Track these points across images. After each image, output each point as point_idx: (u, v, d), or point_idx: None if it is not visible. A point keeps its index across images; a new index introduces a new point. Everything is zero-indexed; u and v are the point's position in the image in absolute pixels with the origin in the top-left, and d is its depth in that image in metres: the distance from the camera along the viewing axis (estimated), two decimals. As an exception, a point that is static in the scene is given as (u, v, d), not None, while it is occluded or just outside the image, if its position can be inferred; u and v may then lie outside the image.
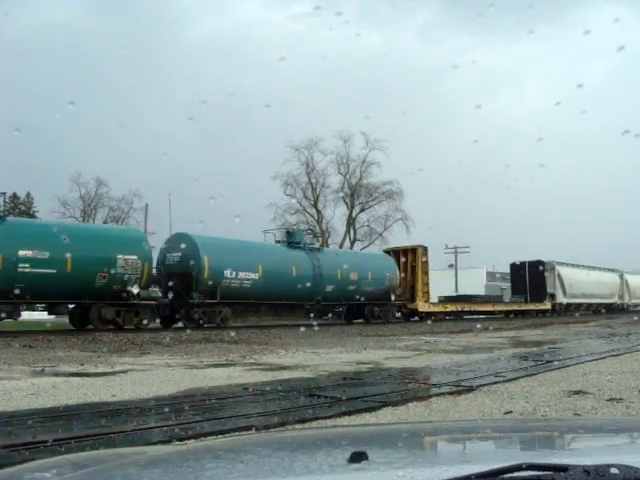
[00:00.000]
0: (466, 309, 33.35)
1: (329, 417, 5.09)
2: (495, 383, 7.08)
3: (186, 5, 79.75)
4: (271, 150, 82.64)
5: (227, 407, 5.53)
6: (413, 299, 30.28)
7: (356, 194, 52.38)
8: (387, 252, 32.50)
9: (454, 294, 44.34)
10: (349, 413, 5.27)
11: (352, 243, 50.79)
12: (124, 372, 8.40)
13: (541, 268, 39.22)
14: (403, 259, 30.85)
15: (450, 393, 6.30)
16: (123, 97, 71.03)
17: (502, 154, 79.26)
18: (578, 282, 42.54)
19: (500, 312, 35.61)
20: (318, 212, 51.94)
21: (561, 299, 40.91)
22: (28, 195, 68.55)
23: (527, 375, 7.84)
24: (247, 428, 4.56)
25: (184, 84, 79.99)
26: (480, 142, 77.98)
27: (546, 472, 0.89)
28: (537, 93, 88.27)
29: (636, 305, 53.71)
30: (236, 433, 4.33)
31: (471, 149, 75.71)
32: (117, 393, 6.40)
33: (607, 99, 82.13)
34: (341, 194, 52.12)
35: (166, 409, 5.42)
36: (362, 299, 26.53)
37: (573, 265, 44.44)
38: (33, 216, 69.57)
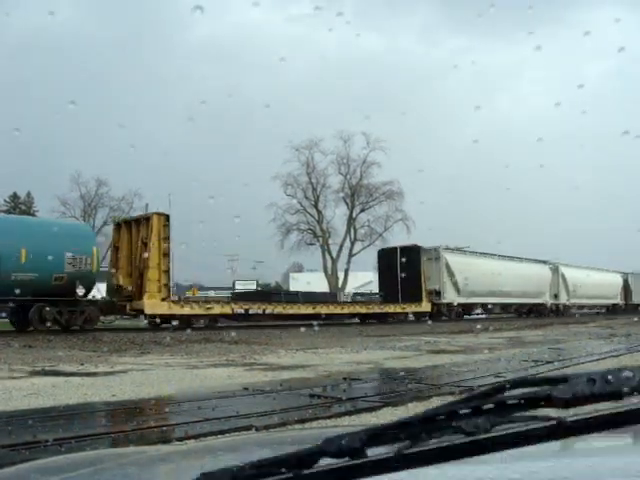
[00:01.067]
0: (258, 311, 22.71)
1: (329, 417, 5.09)
2: (495, 383, 7.07)
3: (186, 6, 79.77)
4: (271, 150, 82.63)
5: (227, 407, 5.53)
6: (142, 294, 19.66)
7: (356, 194, 52.39)
8: (117, 225, 22.05)
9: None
10: (349, 413, 5.27)
11: (352, 244, 50.82)
12: (124, 372, 8.39)
13: (418, 257, 29.30)
14: (135, 235, 20.80)
15: (450, 393, 6.30)
16: (123, 97, 71.02)
17: (502, 154, 79.23)
18: (481, 275, 31.52)
19: (333, 315, 25.07)
20: (318, 212, 51.94)
21: (452, 298, 30.49)
22: (28, 195, 68.61)
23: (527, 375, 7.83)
24: (247, 428, 4.56)
25: (184, 84, 79.98)
26: (480, 142, 78.08)
27: (542, 387, 0.78)
28: (537, 93, 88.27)
29: (582, 306, 44.06)
30: (236, 433, 4.33)
31: (471, 149, 75.72)
32: (117, 393, 6.40)
33: (607, 99, 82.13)
34: (341, 194, 52.18)
35: (166, 409, 5.42)
36: (19, 293, 15.52)
37: (471, 253, 34.02)
38: (33, 215, 69.81)
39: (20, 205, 69.05)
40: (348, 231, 50.88)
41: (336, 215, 52.33)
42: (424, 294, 28.83)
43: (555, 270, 40.24)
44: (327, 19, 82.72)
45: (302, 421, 4.91)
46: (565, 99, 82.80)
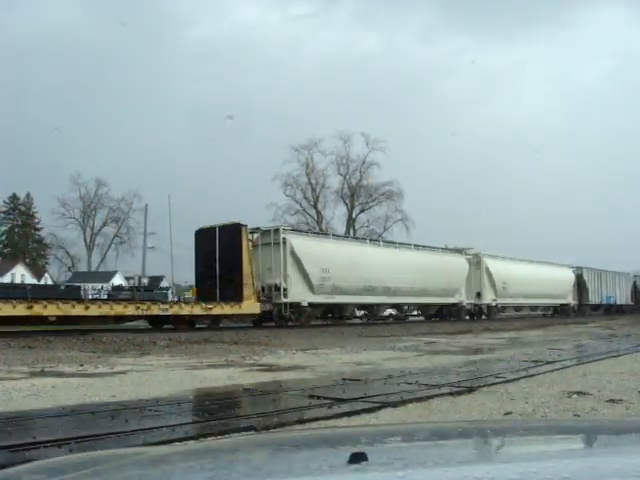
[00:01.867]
0: None
1: (329, 418, 5.08)
2: (495, 384, 7.07)
3: (186, 7, 79.98)
4: (271, 151, 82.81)
5: (227, 408, 5.53)
6: None
7: (356, 195, 52.54)
8: None
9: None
10: (349, 414, 5.27)
11: (352, 244, 50.83)
12: (124, 373, 8.39)
13: (239, 240, 20.82)
14: None
15: (450, 394, 6.30)
16: (123, 97, 71.13)
17: (502, 154, 79.32)
18: (351, 267, 24.04)
19: (73, 319, 17.74)
20: (318, 213, 52.07)
21: (301, 296, 22.72)
22: (28, 196, 68.52)
23: (527, 376, 7.83)
24: (247, 429, 4.56)
25: (184, 85, 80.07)
26: (480, 142, 78.25)
27: None
28: (536, 93, 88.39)
29: (519, 307, 36.77)
30: (236, 434, 4.33)
31: (471, 149, 75.80)
32: (117, 394, 6.40)
33: (607, 100, 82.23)
34: (341, 195, 52.24)
35: (166, 410, 5.42)
36: None
37: (337, 237, 26.95)
38: (33, 216, 69.83)
39: (19, 206, 69.02)
40: (347, 231, 50.95)
41: (335, 215, 52.55)
42: (247, 291, 20.79)
43: (477, 263, 32.23)
44: (327, 20, 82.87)
45: (302, 422, 4.90)
46: (564, 99, 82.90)
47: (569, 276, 40.14)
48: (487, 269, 32.59)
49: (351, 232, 51.04)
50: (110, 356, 11.08)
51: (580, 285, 41.21)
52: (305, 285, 23.07)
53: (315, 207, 52.13)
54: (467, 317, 31.77)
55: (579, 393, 6.26)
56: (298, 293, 22.72)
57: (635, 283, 49.88)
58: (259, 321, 22.18)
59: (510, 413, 5.28)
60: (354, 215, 52.71)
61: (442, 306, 30.22)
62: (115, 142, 70.82)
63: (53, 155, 68.27)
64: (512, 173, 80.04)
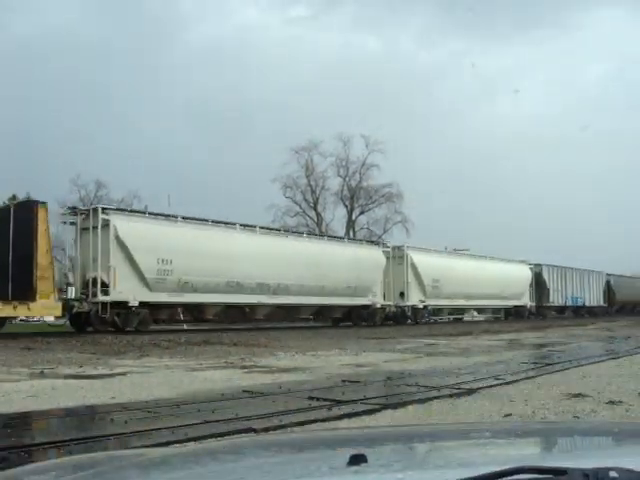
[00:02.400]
0: None
1: (328, 420, 5.08)
2: (495, 386, 7.07)
3: (186, 8, 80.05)
4: (271, 152, 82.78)
5: (226, 409, 5.52)
6: None
7: (356, 196, 52.48)
8: None
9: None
10: (348, 416, 5.26)
11: (351, 245, 50.78)
12: (123, 374, 8.39)
13: (33, 221, 16.11)
14: None
15: (450, 395, 6.30)
16: (123, 98, 71.14)
17: (502, 155, 79.36)
18: (217, 257, 19.32)
19: None
20: (318, 214, 52.02)
21: (133, 294, 17.80)
22: (28, 197, 68.59)
23: (526, 378, 7.84)
24: (246, 430, 4.55)
25: (184, 86, 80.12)
26: (480, 143, 78.25)
27: (545, 475, 0.89)
28: (536, 96, 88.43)
29: (459, 310, 31.39)
30: (235, 435, 4.33)
31: (471, 150, 75.82)
32: (116, 395, 6.40)
33: (607, 102, 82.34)
34: (340, 196, 52.27)
35: (165, 411, 5.42)
36: None
37: (188, 220, 19.79)
38: (33, 218, 69.91)
39: (19, 207, 69.17)
40: (347, 233, 50.88)
41: (335, 217, 52.45)
42: (43, 287, 16.43)
43: (399, 257, 26.94)
44: (327, 21, 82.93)
45: (301, 423, 4.90)
46: (564, 101, 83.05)
47: (525, 274, 34.61)
48: (412, 265, 27.11)
49: (351, 233, 51.04)
50: (110, 358, 11.07)
51: (539, 284, 36.04)
52: (137, 280, 18.08)
53: (315, 209, 52.12)
54: (391, 322, 26.23)
55: (579, 395, 6.26)
56: (127, 290, 17.71)
57: (609, 282, 44.35)
58: (79, 325, 17.94)
59: (510, 415, 5.28)
60: (354, 217, 52.69)
61: (350, 308, 24.70)
62: (115, 142, 70.89)
63: (53, 156, 68.29)
64: (512, 174, 79.98)
